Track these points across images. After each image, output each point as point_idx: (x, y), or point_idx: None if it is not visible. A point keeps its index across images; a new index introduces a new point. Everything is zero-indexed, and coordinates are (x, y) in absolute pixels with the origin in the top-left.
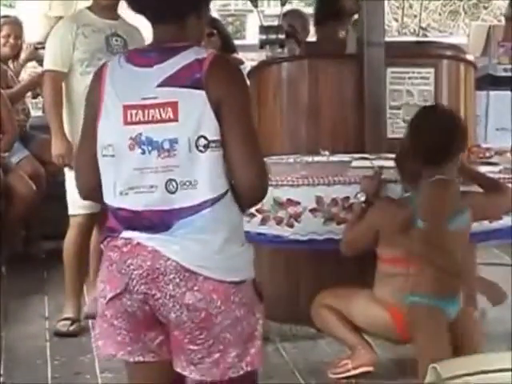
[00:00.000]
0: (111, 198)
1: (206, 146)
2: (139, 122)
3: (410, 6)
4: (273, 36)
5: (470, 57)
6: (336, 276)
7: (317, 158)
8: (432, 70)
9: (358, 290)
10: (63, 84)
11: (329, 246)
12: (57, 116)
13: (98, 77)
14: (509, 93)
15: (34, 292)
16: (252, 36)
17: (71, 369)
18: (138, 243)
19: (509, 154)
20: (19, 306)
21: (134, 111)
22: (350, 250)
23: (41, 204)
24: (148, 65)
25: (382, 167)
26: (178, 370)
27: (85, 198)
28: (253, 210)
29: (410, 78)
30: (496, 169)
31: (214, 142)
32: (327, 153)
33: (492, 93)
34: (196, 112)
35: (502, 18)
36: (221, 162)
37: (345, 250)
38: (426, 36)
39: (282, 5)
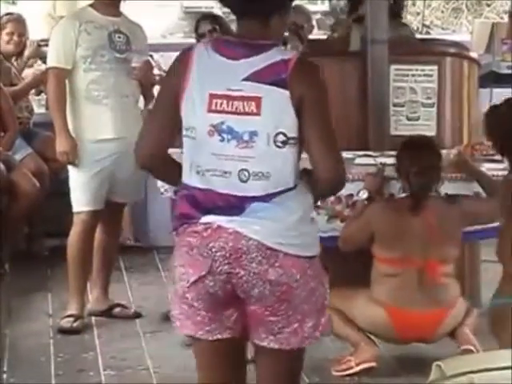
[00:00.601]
0: (188, 177)
1: (285, 143)
2: (222, 111)
3: (413, 4)
4: None
5: (473, 54)
6: (340, 273)
7: None
8: (435, 68)
9: (358, 289)
10: (66, 81)
11: (332, 243)
12: (60, 113)
13: (185, 62)
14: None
15: (37, 289)
16: None
17: (74, 366)
18: (219, 226)
19: None
20: (22, 303)
21: (218, 100)
22: (345, 246)
23: (44, 201)
24: (235, 58)
25: (385, 164)
26: (256, 341)
27: (141, 166)
28: None
29: (413, 75)
30: (500, 166)
31: (292, 138)
32: None
33: (495, 90)
34: (278, 109)
35: (505, 16)
36: (295, 158)
37: (341, 244)
38: (428, 33)
39: None
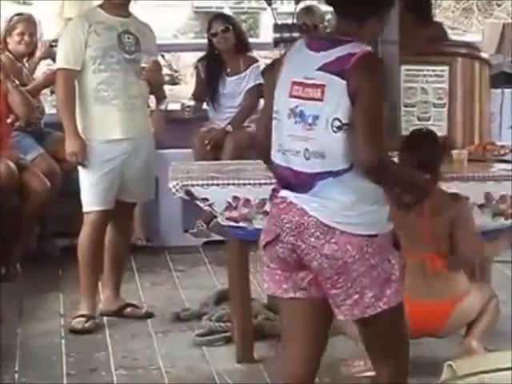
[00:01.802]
0: (274, 155)
1: (340, 128)
2: (298, 97)
3: None
4: (287, 34)
5: (484, 54)
6: None
7: None
8: (446, 68)
9: None
10: (76, 82)
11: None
12: (70, 114)
13: (283, 56)
14: None
15: (49, 289)
16: (265, 34)
17: (86, 365)
18: (290, 201)
19: None
20: (34, 303)
21: (297, 87)
22: None
23: (56, 201)
24: (316, 50)
25: (401, 156)
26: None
27: (264, 160)
28: (267, 208)
29: (424, 75)
30: (510, 166)
31: (346, 125)
32: None
33: (507, 90)
34: (336, 97)
35: None
36: (347, 142)
37: None
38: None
39: (296, 3)
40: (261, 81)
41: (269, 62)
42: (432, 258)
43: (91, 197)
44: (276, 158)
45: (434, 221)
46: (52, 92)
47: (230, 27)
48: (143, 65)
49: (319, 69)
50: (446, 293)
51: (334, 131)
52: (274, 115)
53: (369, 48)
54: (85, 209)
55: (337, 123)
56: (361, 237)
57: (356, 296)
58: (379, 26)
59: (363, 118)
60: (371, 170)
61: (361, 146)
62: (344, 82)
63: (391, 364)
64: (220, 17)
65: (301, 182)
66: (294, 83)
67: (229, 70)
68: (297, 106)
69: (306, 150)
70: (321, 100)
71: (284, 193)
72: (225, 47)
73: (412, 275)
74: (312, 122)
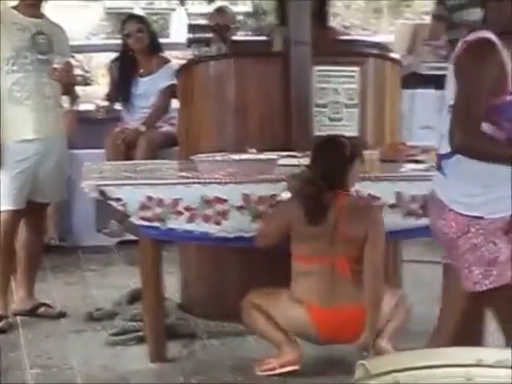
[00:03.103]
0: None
1: (450, 111)
2: None
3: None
4: (200, 35)
5: (395, 55)
6: (263, 273)
7: (244, 156)
8: (357, 69)
9: (282, 290)
10: None
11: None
12: None
13: (499, 50)
14: (434, 91)
15: None
16: (176, 34)
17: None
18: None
19: (434, 152)
20: None
21: None
22: (261, 242)
23: None
24: None
25: (308, 165)
26: None
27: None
28: (180, 208)
29: (336, 76)
30: (421, 166)
31: (450, 107)
32: (254, 151)
33: (417, 91)
34: (451, 83)
35: (426, 16)
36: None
37: (258, 241)
38: (349, 35)
39: (209, 3)
40: (174, 81)
41: (182, 62)
42: (342, 262)
43: (2, 196)
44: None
45: (348, 226)
46: None
47: (144, 28)
48: (55, 66)
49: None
50: (357, 298)
51: (448, 113)
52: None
53: (484, 35)
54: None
55: (450, 107)
56: (464, 216)
57: (466, 271)
58: (501, 9)
59: (457, 99)
60: (462, 153)
61: (452, 131)
62: (451, 66)
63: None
64: (133, 17)
65: (437, 162)
66: None
67: (142, 70)
68: None
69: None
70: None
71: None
72: (138, 47)
73: (322, 280)
74: (443, 108)
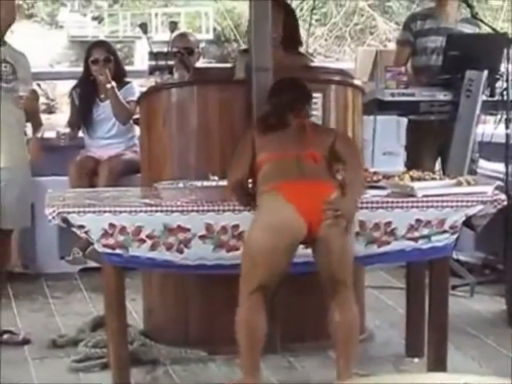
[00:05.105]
0: None
1: None
2: None
3: None
4: (162, 62)
5: (357, 82)
6: (224, 300)
7: (206, 183)
8: (320, 95)
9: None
10: None
11: (218, 270)
12: None
13: None
14: (395, 117)
15: None
16: (140, 62)
17: None
18: None
19: (396, 178)
20: None
21: None
22: (233, 187)
23: None
24: None
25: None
26: None
27: None
28: (143, 235)
29: None
30: (383, 192)
31: None
32: (216, 178)
33: (379, 117)
34: None
35: (388, 43)
36: None
37: (230, 190)
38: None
39: (171, 31)
40: (134, 98)
41: (144, 89)
42: (308, 153)
43: None
44: None
45: (316, 135)
46: None
47: (112, 57)
48: (21, 93)
49: None
50: (322, 177)
51: None
52: None
53: None
54: None
55: None
56: None
57: None
58: None
59: None
60: None
61: None
62: None
63: None
64: (101, 45)
65: None
66: None
67: (102, 95)
68: None
69: None
70: None
71: None
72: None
73: (288, 165)
74: None
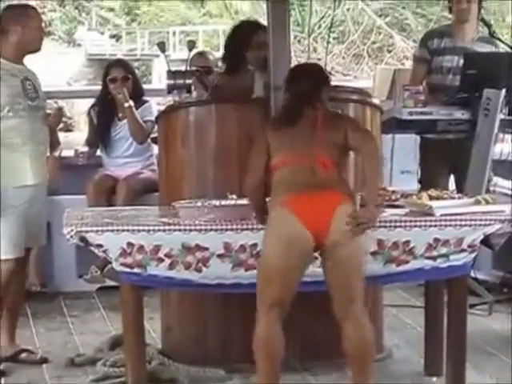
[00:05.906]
0: None
1: None
2: None
3: (315, 50)
4: (180, 81)
5: (375, 100)
6: (242, 318)
7: (224, 202)
8: None
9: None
10: None
11: (236, 289)
12: None
13: None
14: (414, 136)
15: None
16: (158, 80)
17: None
18: None
19: (414, 197)
20: None
21: None
22: (248, 192)
23: None
24: None
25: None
26: None
27: None
28: (161, 254)
29: None
30: (402, 212)
31: None
32: (234, 196)
33: (397, 136)
34: None
35: (406, 62)
36: None
37: (248, 189)
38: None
39: (189, 50)
40: (151, 118)
41: (162, 108)
42: (322, 159)
43: (3, 245)
44: None
45: (327, 131)
46: None
47: (130, 76)
48: (48, 111)
49: None
50: (334, 187)
51: None
52: None
53: None
54: (2, 256)
55: None
56: None
57: None
58: None
59: None
60: None
61: None
62: None
63: None
64: (119, 63)
65: None
66: None
67: (120, 114)
68: None
69: None
70: None
71: None
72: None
73: (302, 172)
74: None
